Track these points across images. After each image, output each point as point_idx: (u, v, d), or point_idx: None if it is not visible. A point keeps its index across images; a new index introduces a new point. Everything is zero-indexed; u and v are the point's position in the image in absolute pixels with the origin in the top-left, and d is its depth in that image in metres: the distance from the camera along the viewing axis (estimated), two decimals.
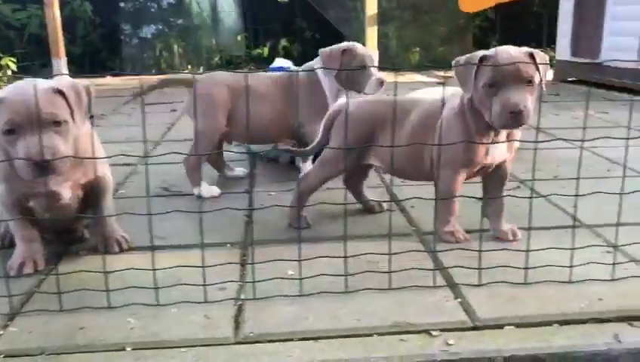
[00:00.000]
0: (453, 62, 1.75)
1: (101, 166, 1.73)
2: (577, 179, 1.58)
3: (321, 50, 2.39)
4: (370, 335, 1.35)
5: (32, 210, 1.66)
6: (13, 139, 1.50)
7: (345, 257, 1.54)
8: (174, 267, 1.57)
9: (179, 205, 2.19)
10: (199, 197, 2.32)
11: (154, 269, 1.51)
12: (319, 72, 2.40)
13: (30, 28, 6.58)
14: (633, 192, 1.67)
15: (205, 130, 2.31)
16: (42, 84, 1.55)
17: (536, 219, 1.67)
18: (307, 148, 2.11)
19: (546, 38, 7.07)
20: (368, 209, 2.14)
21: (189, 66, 7.25)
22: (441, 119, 1.80)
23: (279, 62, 2.86)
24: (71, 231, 1.87)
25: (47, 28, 6.36)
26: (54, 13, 6.22)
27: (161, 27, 7.47)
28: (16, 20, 6.58)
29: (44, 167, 1.48)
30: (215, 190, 2.34)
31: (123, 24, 7.41)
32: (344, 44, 2.38)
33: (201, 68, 7.14)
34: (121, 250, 1.80)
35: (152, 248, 1.57)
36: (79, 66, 6.69)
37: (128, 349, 1.32)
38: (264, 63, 7.26)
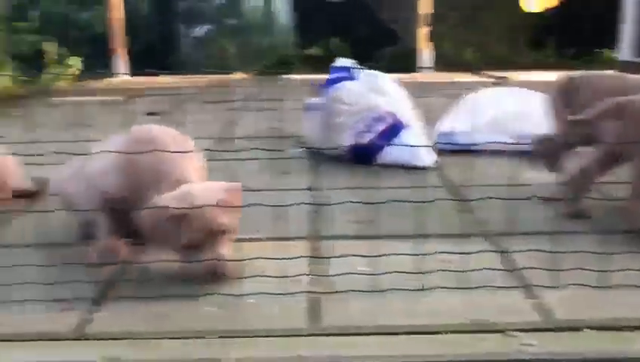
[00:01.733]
0: None
1: None
2: None
3: None
4: (447, 332, 1.36)
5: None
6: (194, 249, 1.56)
7: (419, 255, 1.56)
8: (252, 259, 1.62)
9: (257, 199, 2.24)
10: None
11: (233, 260, 1.56)
12: None
13: (94, 27, 6.83)
14: None
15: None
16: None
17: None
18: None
19: (606, 39, 6.87)
20: None
21: (243, 67, 7.38)
22: None
23: (342, 62, 2.88)
24: None
25: (110, 27, 6.61)
26: (116, 14, 6.46)
27: (215, 26, 7.63)
28: (80, 20, 6.84)
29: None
30: None
31: (179, 24, 7.59)
32: None
33: (254, 68, 7.25)
34: None
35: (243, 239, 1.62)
36: (138, 65, 6.89)
37: (213, 337, 1.37)
38: (317, 62, 7.31)
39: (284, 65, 7.24)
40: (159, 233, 1.56)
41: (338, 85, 2.79)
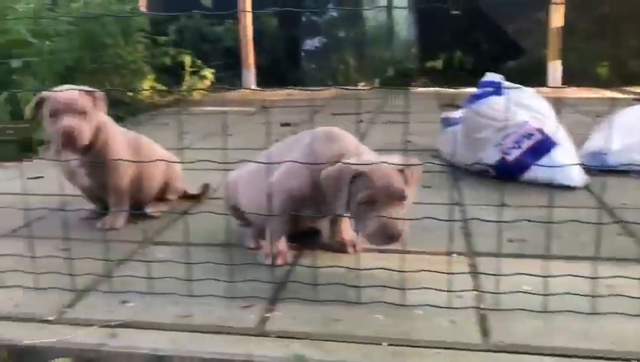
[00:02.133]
0: None
1: None
2: None
3: None
4: (629, 360, 1.31)
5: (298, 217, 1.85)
6: (366, 208, 1.64)
7: (589, 278, 1.52)
8: (416, 271, 1.66)
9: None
10: None
11: (399, 271, 1.60)
12: None
13: (225, 41, 7.22)
14: None
15: None
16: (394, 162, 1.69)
17: None
18: None
19: None
20: None
21: (363, 79, 7.48)
22: None
23: (491, 76, 2.85)
24: (312, 230, 2.06)
25: (240, 41, 6.97)
26: (247, 28, 6.81)
27: (336, 39, 7.80)
28: (213, 34, 7.26)
29: (395, 239, 1.63)
30: None
31: (303, 37, 7.85)
32: None
33: (376, 81, 7.33)
34: (354, 251, 1.93)
35: (397, 251, 1.66)
36: (265, 77, 7.19)
37: (384, 344, 1.41)
38: (439, 75, 7.26)
39: (405, 77, 7.26)
40: (339, 191, 1.66)
41: (483, 100, 2.77)
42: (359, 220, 1.68)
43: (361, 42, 7.75)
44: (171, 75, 6.58)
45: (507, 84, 2.77)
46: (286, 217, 1.83)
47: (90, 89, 2.18)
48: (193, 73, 6.60)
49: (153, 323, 1.53)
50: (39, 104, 2.12)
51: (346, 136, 1.83)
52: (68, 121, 2.06)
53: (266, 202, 1.80)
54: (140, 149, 2.32)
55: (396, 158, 1.71)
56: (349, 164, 1.67)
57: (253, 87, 6.91)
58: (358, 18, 7.67)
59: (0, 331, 1.51)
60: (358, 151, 1.75)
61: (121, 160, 2.14)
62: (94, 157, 2.18)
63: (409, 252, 1.75)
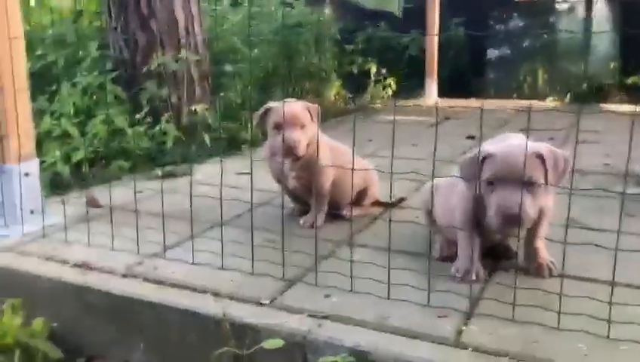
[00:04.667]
0: None
1: (549, 200, 1.86)
2: None
3: None
4: None
5: (485, 230, 1.88)
6: (492, 189, 1.72)
7: None
8: (624, 304, 1.59)
9: (594, 239, 2.19)
10: None
11: (609, 303, 1.55)
12: None
13: (410, 50, 7.34)
14: None
15: None
16: (526, 145, 1.72)
17: None
18: None
19: None
20: None
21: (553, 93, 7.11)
22: None
23: None
24: (505, 248, 2.06)
25: (425, 52, 7.02)
26: (433, 39, 6.84)
27: (526, 50, 7.50)
28: (398, 44, 7.41)
29: (513, 221, 1.67)
30: None
31: (490, 47, 7.67)
32: None
33: (567, 95, 6.92)
34: (550, 276, 1.89)
35: (612, 283, 1.61)
36: (448, 87, 7.17)
37: None
38: (638, 92, 6.65)
39: (601, 93, 6.76)
40: (472, 174, 1.75)
41: None
42: (488, 204, 1.72)
43: (551, 53, 7.35)
44: (356, 82, 6.86)
45: None
46: (470, 230, 1.87)
47: (308, 103, 2.41)
48: (377, 82, 6.80)
49: (355, 320, 1.66)
50: (265, 114, 2.39)
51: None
52: (291, 134, 2.30)
53: (455, 215, 1.87)
54: (339, 155, 2.50)
55: (543, 146, 1.73)
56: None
57: (436, 97, 6.92)
58: (548, 27, 7.30)
59: (226, 308, 1.74)
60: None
61: (330, 166, 2.35)
62: (305, 163, 2.40)
63: (616, 284, 1.68)
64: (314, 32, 6.13)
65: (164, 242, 2.21)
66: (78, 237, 2.35)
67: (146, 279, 1.97)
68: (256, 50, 5.36)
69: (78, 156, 3.33)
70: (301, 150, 2.33)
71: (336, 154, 2.50)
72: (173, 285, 1.91)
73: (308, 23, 6.18)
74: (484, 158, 1.74)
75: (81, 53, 4.14)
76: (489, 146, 1.78)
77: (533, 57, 7.45)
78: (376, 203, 2.68)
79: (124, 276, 2.00)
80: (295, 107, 2.34)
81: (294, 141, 2.29)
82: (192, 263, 2.07)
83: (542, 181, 1.71)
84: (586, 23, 7.40)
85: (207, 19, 4.84)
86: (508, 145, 1.76)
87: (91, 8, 4.67)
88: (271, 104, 2.40)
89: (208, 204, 2.44)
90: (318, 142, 2.25)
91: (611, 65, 7.10)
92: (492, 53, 7.74)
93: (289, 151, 2.30)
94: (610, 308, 1.56)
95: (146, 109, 3.84)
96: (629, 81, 6.83)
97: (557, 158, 1.74)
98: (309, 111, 2.37)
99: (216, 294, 1.84)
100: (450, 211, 1.97)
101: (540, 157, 1.71)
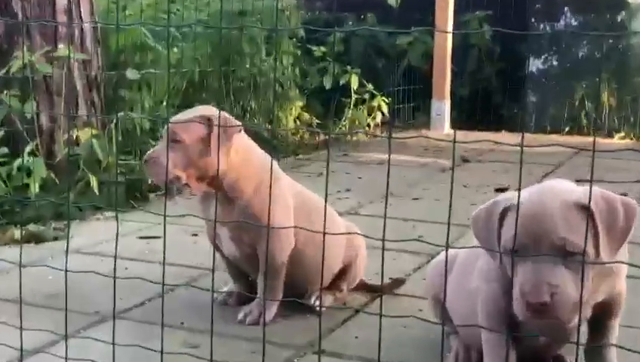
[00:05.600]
0: None
1: (620, 280, 1.85)
2: None
3: None
4: None
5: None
6: (515, 260, 1.67)
7: None
8: None
9: None
10: None
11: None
12: None
13: (410, 56, 7.44)
14: None
15: None
16: (566, 193, 1.72)
17: None
18: None
19: None
20: None
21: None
22: None
23: None
24: (556, 360, 2.04)
25: (433, 59, 7.13)
26: (445, 39, 6.95)
27: (583, 62, 7.65)
28: (391, 46, 7.53)
29: (541, 309, 1.63)
30: None
31: (530, 55, 7.79)
32: None
33: (638, 129, 7.10)
34: None
35: None
36: (463, 113, 7.29)
37: None
38: None
39: None
40: (489, 236, 1.79)
41: None
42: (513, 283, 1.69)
43: (621, 66, 7.50)
44: (328, 101, 6.89)
45: None
46: (499, 332, 1.82)
47: (213, 111, 2.43)
48: (359, 102, 6.80)
49: None
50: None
51: None
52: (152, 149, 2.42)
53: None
54: (307, 209, 2.47)
55: (579, 188, 1.75)
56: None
57: (449, 127, 7.02)
58: (617, 28, 7.48)
59: None
60: None
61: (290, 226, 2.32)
62: (241, 212, 2.34)
63: None
64: (266, 24, 6.19)
65: (21, 346, 2.10)
66: None
67: None
68: (176, 49, 5.35)
69: None
70: (159, 173, 2.34)
71: (304, 207, 2.48)
72: None
73: (257, 11, 6.25)
74: (504, 211, 1.74)
75: None
76: (513, 194, 1.75)
77: (595, 72, 7.59)
78: (361, 286, 2.65)
79: None
80: (180, 117, 2.44)
81: (148, 155, 2.40)
82: None
83: (590, 247, 1.66)
84: None
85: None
86: (540, 192, 1.75)
87: None
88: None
89: (95, 285, 2.35)
90: (271, 181, 2.16)
91: None
92: (533, 65, 7.88)
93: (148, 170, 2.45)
94: None
95: None
96: None
97: (614, 210, 1.71)
98: (209, 122, 2.33)
99: None
100: (470, 301, 1.93)
101: (586, 209, 1.69)
